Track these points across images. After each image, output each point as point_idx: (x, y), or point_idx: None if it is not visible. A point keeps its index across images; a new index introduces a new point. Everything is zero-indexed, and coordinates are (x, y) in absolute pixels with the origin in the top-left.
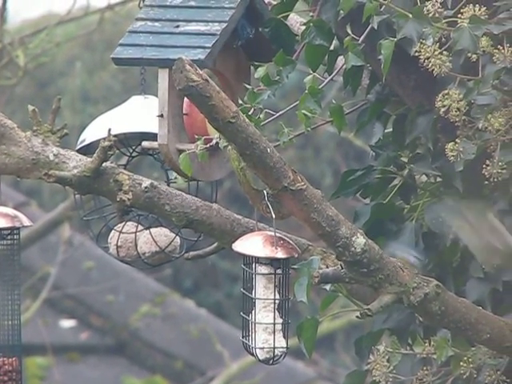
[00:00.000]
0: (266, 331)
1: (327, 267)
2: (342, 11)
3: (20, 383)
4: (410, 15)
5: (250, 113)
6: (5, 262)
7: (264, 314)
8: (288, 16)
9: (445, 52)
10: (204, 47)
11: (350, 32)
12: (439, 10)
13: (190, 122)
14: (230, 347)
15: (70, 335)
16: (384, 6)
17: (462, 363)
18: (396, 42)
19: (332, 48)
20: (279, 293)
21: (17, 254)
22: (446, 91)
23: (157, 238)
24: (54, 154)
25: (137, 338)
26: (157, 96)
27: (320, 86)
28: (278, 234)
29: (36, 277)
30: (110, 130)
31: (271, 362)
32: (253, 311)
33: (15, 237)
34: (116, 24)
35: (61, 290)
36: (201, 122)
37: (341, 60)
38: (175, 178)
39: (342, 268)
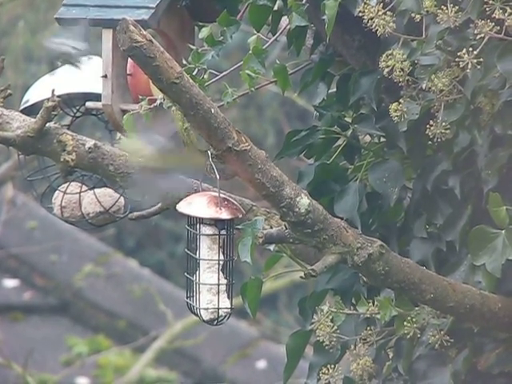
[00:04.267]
0: (211, 292)
1: (271, 227)
2: None
3: None
4: None
5: (194, 73)
6: None
7: (208, 275)
8: None
9: (388, 12)
10: (148, 7)
11: None
12: None
13: (134, 83)
14: (173, 307)
15: (13, 295)
16: None
17: (405, 323)
18: (340, 2)
19: (276, 8)
20: (223, 253)
21: None
22: (390, 51)
23: (101, 198)
24: None
25: (80, 298)
26: (101, 56)
27: (264, 47)
28: (222, 195)
29: None
30: (53, 90)
31: (215, 322)
32: (197, 272)
33: None
34: None
35: (4, 249)
36: (145, 82)
37: (285, 20)
38: (119, 138)
39: (286, 228)
